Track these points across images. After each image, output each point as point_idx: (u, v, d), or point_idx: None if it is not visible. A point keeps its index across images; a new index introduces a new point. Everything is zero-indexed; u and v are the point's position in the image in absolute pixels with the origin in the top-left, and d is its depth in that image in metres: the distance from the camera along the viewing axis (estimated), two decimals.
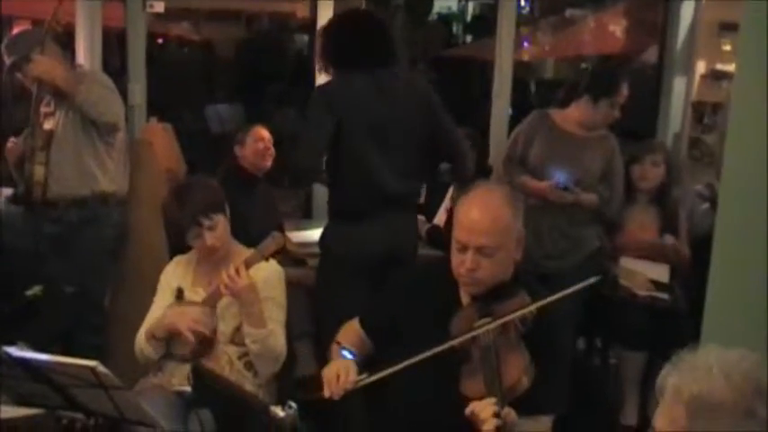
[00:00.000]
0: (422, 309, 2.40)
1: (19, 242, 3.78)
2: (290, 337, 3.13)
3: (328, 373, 2.33)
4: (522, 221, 2.34)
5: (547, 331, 2.23)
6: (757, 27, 2.15)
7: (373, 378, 2.26)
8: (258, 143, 4.30)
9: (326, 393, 2.28)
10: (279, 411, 1.84)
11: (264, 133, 4.33)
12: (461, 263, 2.28)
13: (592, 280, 2.24)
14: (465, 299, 2.38)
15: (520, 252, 2.34)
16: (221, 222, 2.98)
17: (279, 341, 2.92)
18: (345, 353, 2.34)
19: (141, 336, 2.98)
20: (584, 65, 6.92)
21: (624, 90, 3.87)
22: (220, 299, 2.92)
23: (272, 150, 4.33)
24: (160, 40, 6.76)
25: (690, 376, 1.56)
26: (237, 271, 2.81)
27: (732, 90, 2.25)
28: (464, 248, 2.27)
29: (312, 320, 3.88)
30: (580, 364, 4.21)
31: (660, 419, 1.61)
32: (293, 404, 1.84)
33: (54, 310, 2.94)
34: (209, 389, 2.10)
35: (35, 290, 2.83)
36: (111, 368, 2.36)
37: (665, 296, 3.98)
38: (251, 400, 2.04)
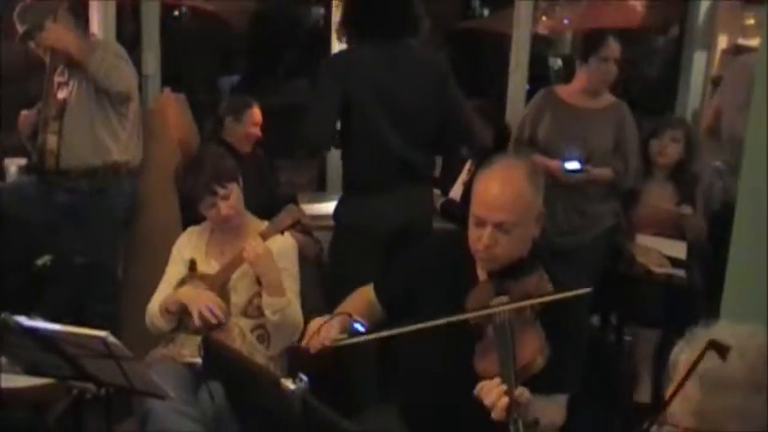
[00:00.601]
0: (436, 283, 2.37)
1: (31, 212, 3.79)
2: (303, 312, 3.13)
3: (312, 324, 2.33)
4: (542, 198, 2.28)
5: (563, 310, 2.18)
6: None
7: (354, 340, 2.24)
8: (253, 128, 4.26)
9: (304, 342, 2.29)
10: (289, 384, 1.81)
11: (259, 117, 4.28)
12: (479, 238, 2.23)
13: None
14: (481, 274, 2.34)
15: (539, 229, 2.30)
16: (235, 191, 2.96)
17: (296, 311, 2.92)
18: (357, 326, 2.31)
19: (154, 307, 2.98)
20: None
21: (612, 44, 3.84)
22: (234, 270, 2.91)
23: (259, 136, 4.29)
24: (176, 13, 6.72)
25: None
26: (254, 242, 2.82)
27: (756, 65, 2.19)
28: (482, 224, 2.22)
29: (322, 295, 3.85)
30: (594, 340, 4.21)
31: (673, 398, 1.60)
32: (304, 377, 1.81)
33: (64, 279, 2.94)
34: (219, 361, 2.09)
35: (44, 259, 2.83)
36: (124, 338, 2.35)
37: (681, 273, 3.93)
38: (261, 373, 2.02)
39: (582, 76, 3.93)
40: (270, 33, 6.91)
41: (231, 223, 2.99)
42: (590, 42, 3.92)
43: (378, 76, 3.27)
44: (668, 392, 1.60)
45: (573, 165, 3.81)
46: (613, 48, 3.83)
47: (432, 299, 2.34)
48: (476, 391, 2.00)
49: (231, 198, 2.95)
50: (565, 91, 4.00)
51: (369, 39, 3.33)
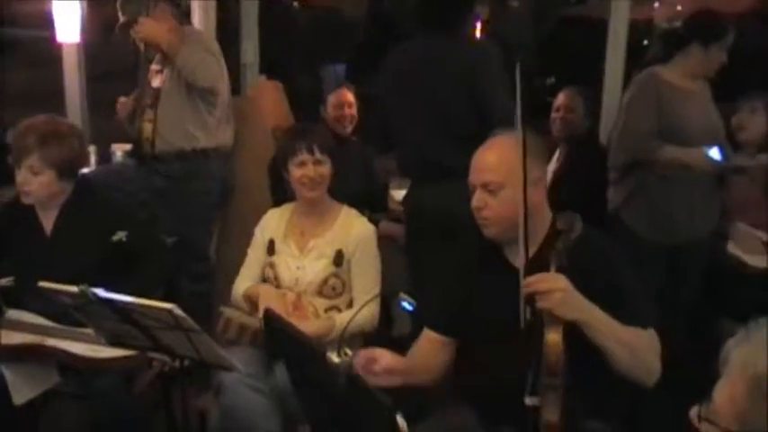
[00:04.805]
0: (475, 279, 2.39)
1: (131, 193, 3.99)
2: (387, 295, 3.14)
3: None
4: (540, 165, 2.33)
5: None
6: None
7: None
8: (337, 109, 4.25)
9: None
10: (334, 357, 1.86)
11: (347, 97, 4.26)
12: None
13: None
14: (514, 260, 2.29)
15: (537, 194, 2.25)
16: (329, 166, 3.00)
17: (369, 316, 2.88)
18: (405, 304, 2.34)
19: (238, 292, 3.07)
20: None
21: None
22: None
23: (354, 116, 4.27)
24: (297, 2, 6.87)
25: (759, 354, 1.47)
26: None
27: None
28: (474, 189, 2.32)
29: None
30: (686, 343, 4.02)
31: (720, 394, 1.53)
32: (349, 351, 1.86)
33: (154, 257, 3.07)
34: (277, 333, 2.15)
35: (119, 235, 2.95)
36: (217, 316, 2.42)
37: None
38: (311, 346, 2.07)
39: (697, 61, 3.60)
40: (381, 23, 6.96)
41: (312, 192, 2.99)
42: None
43: (407, 74, 3.41)
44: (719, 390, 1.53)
45: (715, 152, 3.53)
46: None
47: (474, 295, 2.35)
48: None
49: (323, 166, 2.98)
50: (669, 73, 3.62)
51: (420, 33, 3.47)
